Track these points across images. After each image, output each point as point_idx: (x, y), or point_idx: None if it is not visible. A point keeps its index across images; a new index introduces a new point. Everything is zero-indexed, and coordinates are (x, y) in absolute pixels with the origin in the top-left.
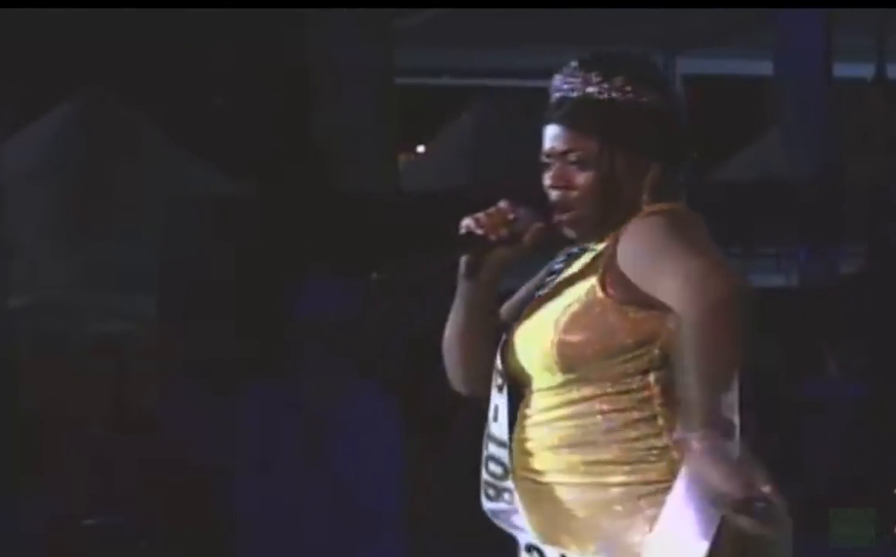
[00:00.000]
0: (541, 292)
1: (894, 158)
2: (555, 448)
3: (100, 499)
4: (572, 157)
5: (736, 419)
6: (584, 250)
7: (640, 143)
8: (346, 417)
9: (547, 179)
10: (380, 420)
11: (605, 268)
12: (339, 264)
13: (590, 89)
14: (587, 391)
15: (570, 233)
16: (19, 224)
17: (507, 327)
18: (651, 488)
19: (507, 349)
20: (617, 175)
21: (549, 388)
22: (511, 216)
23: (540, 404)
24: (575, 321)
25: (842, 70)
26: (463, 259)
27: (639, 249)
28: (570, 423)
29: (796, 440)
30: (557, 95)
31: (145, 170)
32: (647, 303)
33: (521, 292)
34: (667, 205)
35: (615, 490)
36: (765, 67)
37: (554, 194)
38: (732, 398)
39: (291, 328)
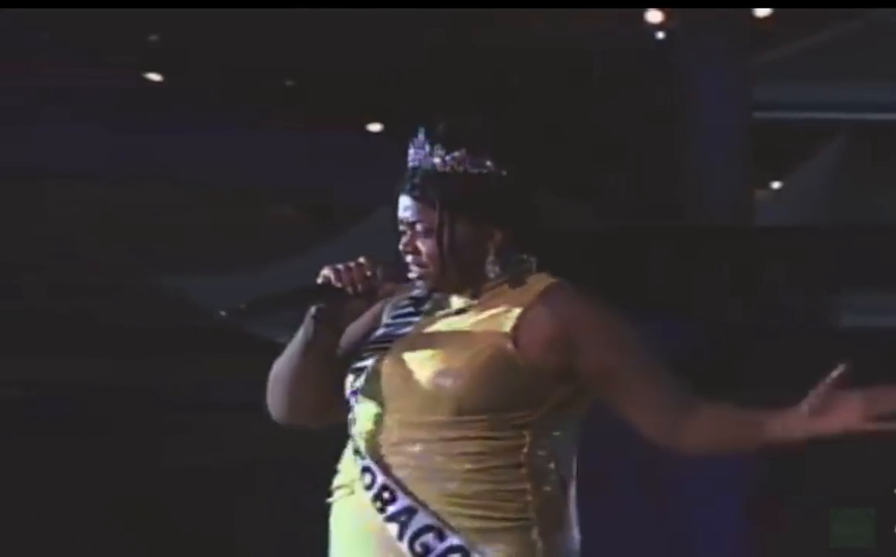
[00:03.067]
0: (409, 330)
1: None
2: (417, 478)
3: None
4: (419, 227)
5: None
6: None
7: (478, 211)
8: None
9: (401, 246)
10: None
11: (523, 330)
12: (680, 298)
13: (434, 161)
14: (464, 432)
15: (423, 288)
16: None
17: (353, 355)
18: (506, 524)
19: (373, 377)
20: (458, 243)
21: (423, 423)
22: (369, 273)
23: (408, 433)
24: (479, 373)
25: None
26: (313, 307)
27: (583, 324)
28: (437, 456)
29: None
30: (410, 164)
31: None
32: (562, 370)
33: (362, 327)
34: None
35: (476, 523)
36: None
37: (408, 258)
38: None
39: None
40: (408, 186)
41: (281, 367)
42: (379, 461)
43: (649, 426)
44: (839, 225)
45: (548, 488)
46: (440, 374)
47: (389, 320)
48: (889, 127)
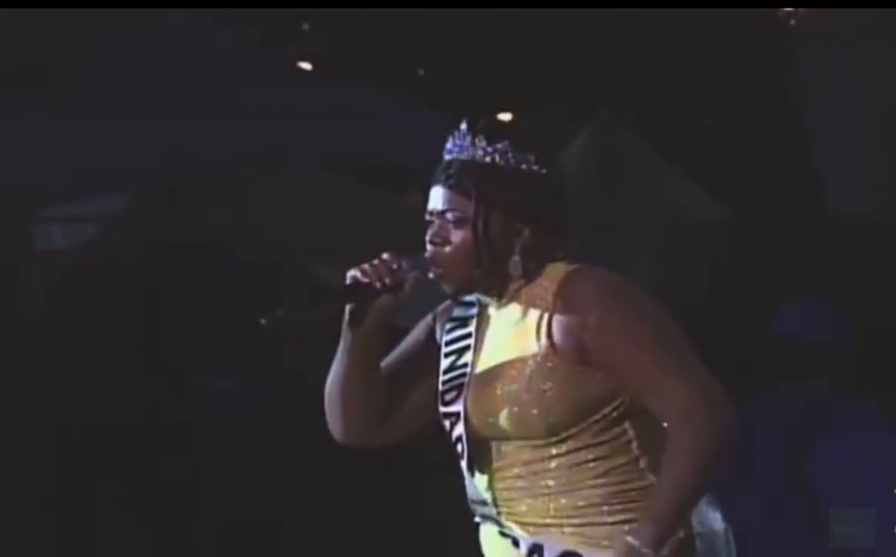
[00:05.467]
0: (468, 359)
1: None
2: (540, 496)
3: None
4: (450, 216)
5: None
6: (482, 304)
7: (511, 205)
8: (833, 437)
9: (426, 236)
10: (874, 443)
11: (556, 336)
12: (821, 287)
13: (474, 152)
14: (569, 445)
15: (445, 287)
16: None
17: (418, 372)
18: (635, 524)
19: (466, 422)
20: (489, 235)
21: (527, 449)
22: (395, 266)
23: (518, 456)
24: (548, 393)
25: None
26: (348, 309)
27: (602, 323)
28: (556, 473)
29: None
30: (447, 157)
31: (642, 193)
32: (600, 364)
33: (416, 343)
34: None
35: (603, 529)
36: None
37: (429, 250)
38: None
39: (768, 346)
40: (443, 177)
41: (331, 384)
42: (496, 501)
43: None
44: None
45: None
46: (519, 404)
47: (447, 349)
48: None
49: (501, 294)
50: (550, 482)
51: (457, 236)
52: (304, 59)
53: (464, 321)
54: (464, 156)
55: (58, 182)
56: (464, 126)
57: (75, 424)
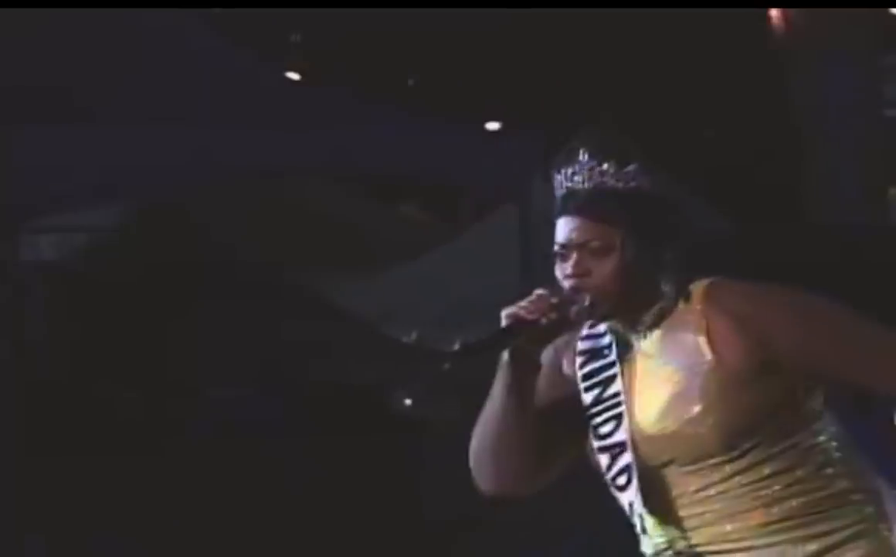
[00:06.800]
0: (618, 388)
1: None
2: (729, 517)
3: None
4: (594, 245)
5: None
6: (615, 332)
7: (654, 228)
8: None
9: (566, 269)
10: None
11: (718, 345)
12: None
13: (605, 179)
14: (750, 459)
15: (592, 316)
16: None
17: (555, 415)
18: (847, 533)
19: (634, 452)
20: (637, 261)
21: (705, 470)
22: (555, 300)
23: (695, 482)
24: (719, 406)
25: None
26: (505, 354)
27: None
28: (737, 492)
29: None
30: (569, 185)
31: None
32: (769, 361)
33: (548, 386)
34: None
35: (811, 546)
36: None
37: (571, 282)
38: None
39: None
40: (575, 206)
41: (486, 434)
42: (683, 531)
43: (879, 388)
44: None
45: (854, 471)
46: (694, 424)
47: (589, 382)
48: None
49: (646, 319)
50: (724, 505)
51: (603, 265)
52: (293, 69)
53: (598, 353)
54: (592, 184)
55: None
56: (584, 155)
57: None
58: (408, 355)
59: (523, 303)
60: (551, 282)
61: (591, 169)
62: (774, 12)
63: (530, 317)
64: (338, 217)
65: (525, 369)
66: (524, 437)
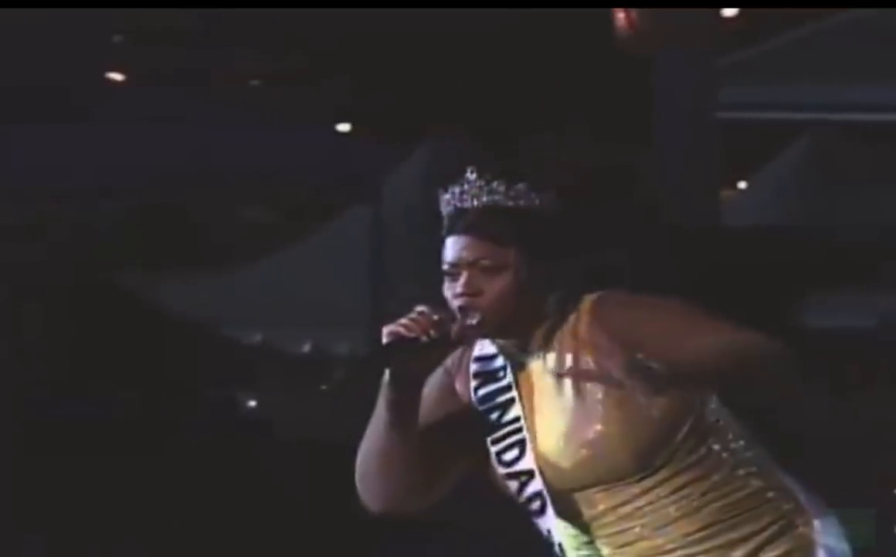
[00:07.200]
0: (517, 413)
1: None
2: (658, 529)
3: None
4: (484, 263)
5: None
6: (507, 353)
7: (543, 245)
8: None
9: (456, 288)
10: None
11: (606, 361)
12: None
13: (495, 197)
14: (665, 473)
15: (482, 334)
16: None
17: (444, 431)
18: (767, 534)
19: (542, 478)
20: (528, 278)
21: (620, 492)
22: (436, 318)
23: (615, 500)
24: (623, 427)
25: None
26: (388, 371)
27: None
28: (655, 506)
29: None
30: (458, 204)
31: None
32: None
33: (436, 403)
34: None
35: (737, 552)
36: None
37: (461, 301)
38: None
39: None
40: (464, 225)
41: (371, 454)
42: (609, 553)
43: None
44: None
45: (764, 469)
46: (594, 445)
47: (486, 406)
48: (855, 127)
49: (538, 339)
50: (650, 519)
51: (494, 283)
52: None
53: (492, 376)
54: (482, 203)
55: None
56: (473, 173)
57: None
58: (254, 357)
59: (403, 320)
60: (401, 285)
61: (480, 188)
62: (619, 13)
63: (410, 335)
64: (181, 217)
65: (407, 387)
66: (410, 455)
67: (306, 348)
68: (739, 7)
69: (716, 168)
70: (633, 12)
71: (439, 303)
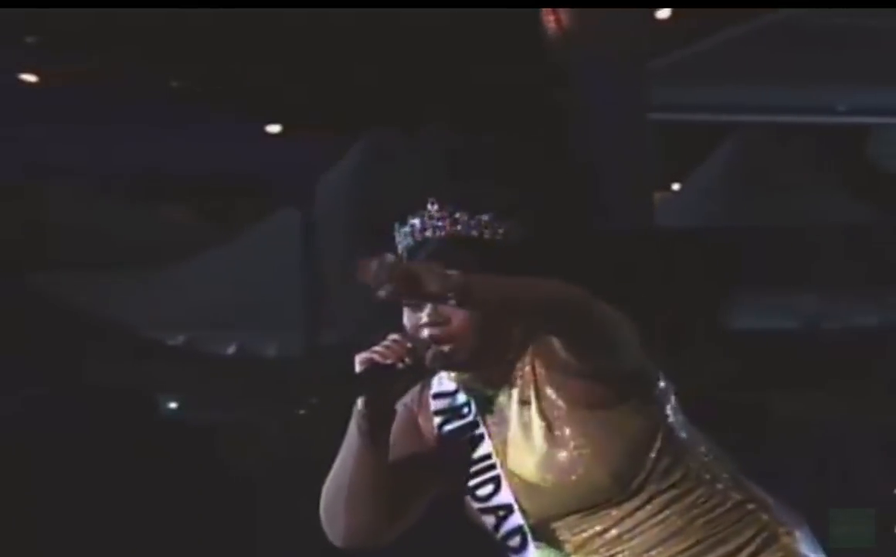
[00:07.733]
0: (488, 449)
1: None
2: (650, 550)
3: None
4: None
5: None
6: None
7: (510, 273)
8: None
9: (421, 318)
10: None
11: (566, 389)
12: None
13: (458, 228)
14: (646, 494)
15: (450, 364)
16: None
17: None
18: (753, 548)
19: (522, 504)
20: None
21: (604, 511)
22: (410, 345)
23: (600, 524)
24: (599, 449)
25: None
26: (359, 402)
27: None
28: (642, 528)
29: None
30: (421, 235)
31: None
32: (597, 377)
33: (404, 439)
34: None
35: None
36: None
37: (430, 331)
38: None
39: None
40: (424, 255)
41: (337, 483)
42: None
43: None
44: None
45: (738, 482)
46: (570, 472)
47: (453, 441)
48: (784, 129)
49: (502, 370)
50: (637, 541)
51: (458, 314)
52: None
53: (457, 413)
54: (445, 234)
55: None
56: (434, 205)
57: None
58: (177, 358)
59: (377, 348)
60: (330, 286)
61: (443, 219)
62: (547, 14)
63: (385, 362)
64: (103, 218)
65: (380, 416)
66: (379, 488)
67: (231, 349)
68: (672, 7)
69: (650, 170)
70: (562, 13)
71: (375, 310)
